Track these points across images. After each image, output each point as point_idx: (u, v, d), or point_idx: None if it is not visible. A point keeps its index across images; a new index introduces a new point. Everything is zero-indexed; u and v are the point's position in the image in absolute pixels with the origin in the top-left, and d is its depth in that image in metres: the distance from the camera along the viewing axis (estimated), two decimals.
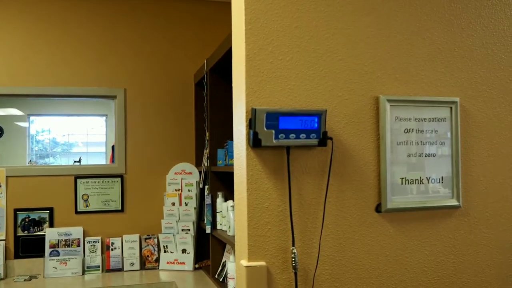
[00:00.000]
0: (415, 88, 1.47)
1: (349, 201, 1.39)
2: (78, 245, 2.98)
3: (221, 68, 2.67)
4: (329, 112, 1.37)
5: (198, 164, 3.30)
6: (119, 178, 3.18)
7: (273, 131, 1.26)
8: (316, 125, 1.29)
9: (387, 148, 1.40)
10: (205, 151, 2.93)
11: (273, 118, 1.26)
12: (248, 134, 1.28)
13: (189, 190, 3.21)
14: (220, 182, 2.77)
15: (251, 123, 1.27)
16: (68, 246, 2.96)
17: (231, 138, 2.70)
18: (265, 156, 1.30)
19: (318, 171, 1.35)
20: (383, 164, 1.40)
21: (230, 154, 2.50)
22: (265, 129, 1.25)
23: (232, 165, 2.40)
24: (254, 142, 1.26)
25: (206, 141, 2.89)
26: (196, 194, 3.22)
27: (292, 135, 1.27)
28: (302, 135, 1.28)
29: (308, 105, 1.35)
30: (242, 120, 1.32)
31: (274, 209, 1.30)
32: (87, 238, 3.01)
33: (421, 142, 1.45)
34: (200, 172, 3.14)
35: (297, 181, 1.33)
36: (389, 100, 1.41)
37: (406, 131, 1.44)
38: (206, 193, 2.82)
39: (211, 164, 2.80)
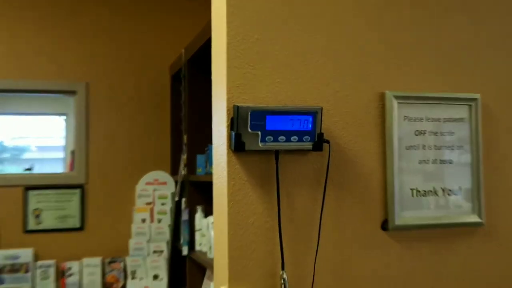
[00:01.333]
0: (428, 82, 1.48)
1: (350, 216, 1.39)
2: (27, 271, 2.95)
3: (202, 59, 2.68)
4: (325, 111, 1.37)
5: (174, 172, 3.30)
6: (79, 189, 3.17)
7: (259, 133, 1.27)
8: (310, 125, 1.29)
9: (394, 154, 1.41)
10: (182, 157, 2.94)
11: (259, 117, 1.26)
12: (229, 136, 1.29)
13: (162, 204, 3.21)
14: (200, 194, 2.78)
15: (233, 123, 1.28)
16: (15, 272, 2.93)
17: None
18: (250, 163, 1.30)
19: (313, 181, 1.35)
20: (390, 173, 1.41)
21: (211, 161, 2.51)
22: (249, 130, 1.26)
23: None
24: (237, 145, 1.26)
25: (183, 145, 2.90)
26: (171, 209, 3.22)
27: (282, 138, 1.28)
28: (294, 138, 1.29)
29: (300, 102, 1.35)
30: (222, 120, 1.33)
31: (260, 225, 1.30)
32: (38, 263, 2.99)
33: (435, 146, 1.46)
34: (176, 182, 3.15)
35: (287, 193, 1.33)
36: (396, 97, 1.43)
37: (417, 133, 1.45)
38: (183, 207, 2.82)
39: (189, 172, 2.81)
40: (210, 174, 2.48)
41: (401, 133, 1.43)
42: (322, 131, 1.33)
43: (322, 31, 1.39)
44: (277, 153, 1.31)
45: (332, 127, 1.38)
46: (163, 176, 3.29)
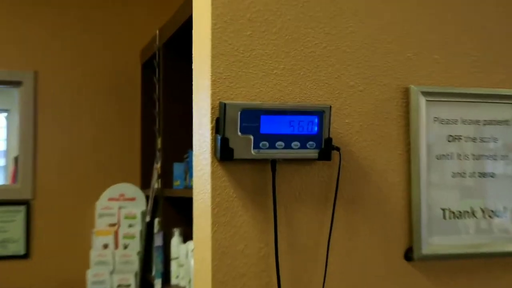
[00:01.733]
0: (464, 75, 1.50)
1: (365, 242, 1.40)
2: None
3: (181, 43, 2.70)
4: (335, 110, 1.39)
5: (145, 185, 3.31)
6: (24, 206, 3.17)
7: (252, 137, 1.27)
8: (315, 128, 1.31)
9: (421, 164, 1.43)
10: (155, 165, 2.95)
11: (251, 117, 1.27)
12: (214, 141, 1.30)
13: (130, 226, 3.21)
14: (177, 213, 2.79)
15: (218, 125, 1.29)
16: None
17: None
18: (240, 175, 1.31)
19: (319, 198, 1.36)
20: (416, 188, 1.42)
21: (192, 172, 2.52)
22: (239, 133, 1.27)
23: None
24: (223, 153, 1.27)
25: (157, 151, 2.90)
26: (140, 232, 3.22)
27: (280, 144, 1.29)
28: (295, 144, 1.30)
29: (304, 100, 1.36)
30: (205, 121, 1.34)
31: (252, 253, 1.31)
32: None
33: (473, 155, 1.48)
34: (147, 198, 3.15)
35: (287, 212, 1.34)
36: (424, 93, 1.44)
37: (450, 139, 1.47)
38: (155, 230, 2.83)
39: (164, 186, 2.82)
40: (190, 188, 2.48)
41: (431, 138, 1.45)
42: (331, 136, 1.34)
43: (330, 11, 1.40)
44: (274, 162, 1.31)
45: (343, 131, 1.39)
46: (131, 190, 3.30)
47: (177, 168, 2.78)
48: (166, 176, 2.87)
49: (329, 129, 1.31)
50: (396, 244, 1.42)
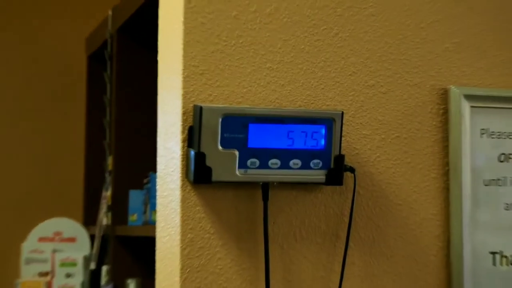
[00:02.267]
0: None
1: None
2: None
3: (141, 26, 2.65)
4: (349, 118, 1.40)
5: (89, 221, 3.29)
6: None
7: (237, 153, 1.29)
8: (322, 142, 1.33)
9: (464, 193, 1.44)
10: (104, 194, 2.92)
11: (237, 126, 1.29)
12: (186, 157, 1.31)
13: (68, 276, 3.19)
14: (133, 258, 2.77)
15: (192, 136, 1.30)
16: None
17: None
18: (220, 203, 1.33)
19: (326, 236, 1.38)
20: (456, 225, 1.43)
21: (154, 202, 2.48)
22: (220, 147, 1.28)
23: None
24: (198, 174, 1.28)
25: (106, 175, 2.89)
26: (82, 284, 3.21)
27: (275, 162, 1.31)
28: (295, 162, 1.32)
29: (307, 103, 1.39)
30: (174, 131, 1.35)
31: None
32: None
33: None
34: (92, 238, 3.14)
35: (283, 255, 1.35)
36: (469, 97, 1.46)
37: (503, 158, 1.49)
38: (103, 282, 2.82)
39: (115, 221, 2.79)
40: (152, 224, 2.47)
41: (477, 157, 1.47)
42: (343, 152, 1.36)
43: None
44: (266, 187, 1.32)
45: (359, 146, 1.41)
46: (70, 227, 3.28)
47: (134, 197, 2.73)
48: (119, 209, 2.81)
49: (340, 143, 1.33)
50: None
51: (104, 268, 2.82)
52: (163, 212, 1.41)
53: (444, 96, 1.46)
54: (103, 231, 2.91)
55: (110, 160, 2.85)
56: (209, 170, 1.27)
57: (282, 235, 1.35)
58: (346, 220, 1.38)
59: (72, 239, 3.25)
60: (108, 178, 2.85)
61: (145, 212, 2.69)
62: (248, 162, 1.29)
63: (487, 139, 1.48)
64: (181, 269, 1.29)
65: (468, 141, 1.45)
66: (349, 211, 1.38)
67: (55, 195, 3.37)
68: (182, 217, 1.30)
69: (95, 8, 3.27)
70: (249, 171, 1.29)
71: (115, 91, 2.81)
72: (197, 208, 1.31)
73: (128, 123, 2.82)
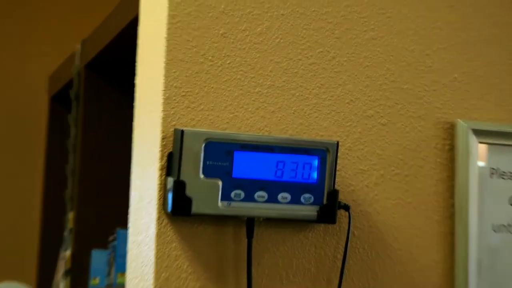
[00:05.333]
0: None
1: None
2: None
3: (114, 61, 2.66)
4: (345, 150, 1.45)
5: (43, 285, 3.28)
6: None
7: (220, 183, 1.33)
8: (314, 175, 1.37)
9: (471, 239, 1.48)
10: (62, 254, 2.89)
11: (221, 153, 1.33)
12: (163, 186, 1.35)
13: None
14: None
15: (172, 163, 1.34)
16: None
17: (125, 225, 2.62)
18: (200, 239, 1.36)
19: (317, 279, 1.41)
20: (461, 274, 1.47)
21: (120, 263, 2.50)
22: (202, 176, 1.32)
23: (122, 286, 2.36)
24: (177, 204, 1.31)
25: (66, 232, 2.87)
26: None
27: (261, 195, 1.34)
28: (283, 196, 1.35)
29: (299, 132, 1.44)
30: (151, 158, 1.39)
31: None
32: None
33: None
34: None
35: None
36: (478, 132, 1.51)
37: None
38: None
39: (74, 285, 2.76)
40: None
41: (486, 200, 1.51)
42: (337, 187, 1.39)
43: (337, 3, 1.49)
44: (251, 222, 1.36)
45: (355, 182, 1.45)
46: None
47: (97, 258, 2.67)
48: (79, 271, 2.81)
49: (334, 177, 1.37)
50: None
51: None
52: (135, 251, 1.44)
53: (451, 130, 1.51)
54: None
55: (71, 216, 2.83)
56: (189, 200, 1.30)
57: (267, 277, 1.39)
58: (339, 263, 1.41)
59: None
60: (68, 236, 2.82)
61: (109, 274, 2.67)
62: (232, 194, 1.32)
63: (497, 179, 1.52)
64: None
65: (476, 181, 1.50)
66: (342, 253, 1.41)
67: (6, 255, 3.37)
68: (156, 253, 1.33)
69: (60, 45, 3.30)
70: (233, 203, 1.32)
71: (80, 135, 2.79)
72: (174, 244, 1.34)
73: (94, 173, 2.76)
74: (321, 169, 1.37)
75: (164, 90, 1.37)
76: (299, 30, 1.46)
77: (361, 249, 1.46)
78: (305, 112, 1.45)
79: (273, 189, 1.36)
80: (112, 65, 2.65)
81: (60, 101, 3.21)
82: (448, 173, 1.52)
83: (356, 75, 1.49)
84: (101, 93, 2.80)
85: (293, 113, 1.45)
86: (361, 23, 1.50)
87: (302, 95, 1.45)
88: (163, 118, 1.36)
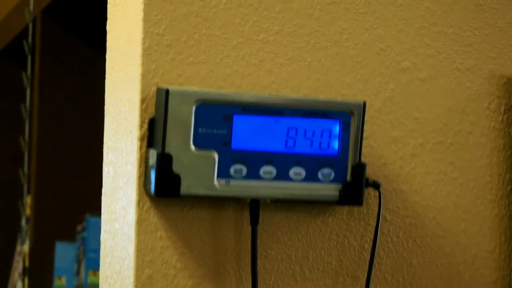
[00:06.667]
0: None
1: None
2: None
3: (77, 7, 2.60)
4: (374, 112, 1.37)
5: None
6: None
7: (216, 156, 1.25)
8: (336, 145, 1.29)
9: None
10: (17, 249, 2.89)
11: (217, 118, 1.25)
12: (145, 161, 1.26)
13: None
14: None
15: (154, 132, 1.26)
16: None
17: (96, 211, 2.64)
18: (191, 227, 1.28)
19: (339, 275, 1.34)
20: None
21: (93, 256, 2.49)
22: (193, 148, 1.24)
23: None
24: (162, 183, 1.23)
25: (22, 221, 2.83)
26: None
27: (269, 170, 1.27)
28: (297, 172, 1.28)
29: (315, 90, 1.35)
30: (127, 125, 1.31)
31: None
32: None
33: None
34: None
35: None
36: None
37: None
38: None
39: (36, 286, 2.75)
40: None
41: None
42: (364, 160, 1.32)
43: None
44: (255, 205, 1.28)
45: (387, 153, 1.38)
46: None
47: (63, 252, 2.72)
48: (40, 269, 2.80)
49: (360, 147, 1.30)
50: None
51: None
52: (110, 244, 1.37)
53: (507, 86, 1.44)
54: None
55: (28, 200, 2.80)
56: (177, 178, 1.23)
57: (276, 273, 1.32)
58: (367, 255, 1.35)
59: None
60: (25, 227, 2.81)
61: (78, 273, 2.67)
62: (232, 170, 1.25)
63: None
64: None
65: None
66: (370, 243, 1.35)
67: None
68: (137, 245, 1.25)
69: None
70: (233, 182, 1.26)
71: (37, 97, 2.75)
72: (159, 233, 1.27)
73: (55, 146, 2.77)
74: (344, 137, 1.30)
75: (143, 39, 1.28)
76: None
77: (395, 238, 1.39)
78: (322, 65, 1.36)
79: (283, 163, 1.29)
80: (75, 10, 2.66)
81: (10, 56, 3.22)
82: (504, 140, 1.45)
83: (387, 17, 1.41)
84: (62, 45, 2.83)
85: (308, 66, 1.36)
86: None
87: (318, 42, 1.36)
88: (142, 74, 1.28)
